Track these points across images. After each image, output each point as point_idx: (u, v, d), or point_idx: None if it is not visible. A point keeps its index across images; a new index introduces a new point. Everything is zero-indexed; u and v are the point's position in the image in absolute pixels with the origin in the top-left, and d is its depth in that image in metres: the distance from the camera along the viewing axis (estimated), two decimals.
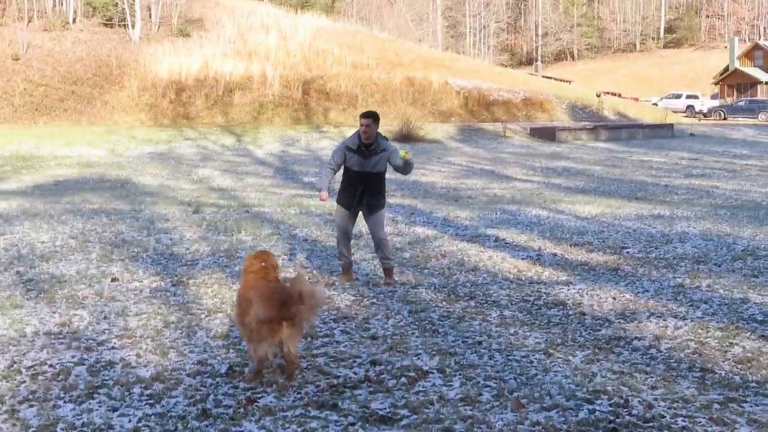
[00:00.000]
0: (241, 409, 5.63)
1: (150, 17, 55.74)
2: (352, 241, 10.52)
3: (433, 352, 6.91)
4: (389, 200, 18.01)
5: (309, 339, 7.31)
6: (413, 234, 13.67)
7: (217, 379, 6.26)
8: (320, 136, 39.54)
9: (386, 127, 37.41)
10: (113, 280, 9.94)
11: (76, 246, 12.27)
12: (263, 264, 6.61)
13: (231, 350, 6.98)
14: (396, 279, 10.03)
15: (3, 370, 6.46)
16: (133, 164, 28.53)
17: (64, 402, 5.80)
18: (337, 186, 10.23)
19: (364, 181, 9.68)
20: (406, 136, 38.05)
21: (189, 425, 5.38)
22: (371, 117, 9.51)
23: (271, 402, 5.76)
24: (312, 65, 50.66)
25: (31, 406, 5.73)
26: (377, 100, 43.88)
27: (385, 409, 5.63)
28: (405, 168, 9.67)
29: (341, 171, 9.92)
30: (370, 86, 48.36)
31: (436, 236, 13.42)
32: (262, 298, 6.19)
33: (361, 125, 9.50)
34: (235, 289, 9.35)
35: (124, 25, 53.97)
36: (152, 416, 5.54)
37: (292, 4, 76.34)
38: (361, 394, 5.93)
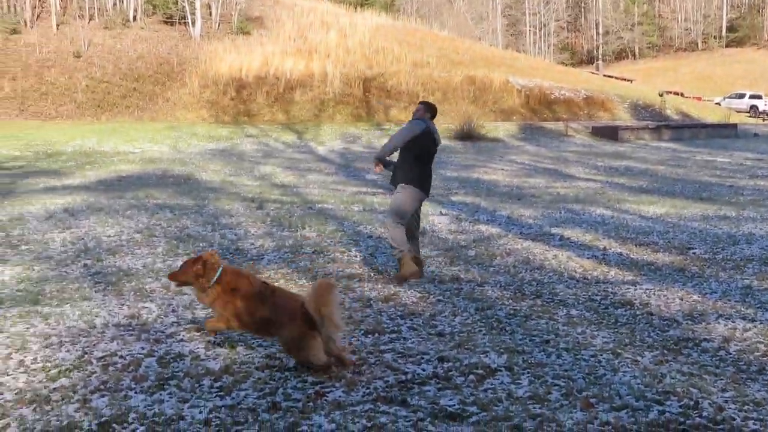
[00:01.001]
0: (311, 403, 5.67)
1: (210, 15, 56.17)
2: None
3: (501, 350, 6.89)
4: (452, 198, 18.05)
5: (377, 334, 7.34)
6: (477, 232, 13.63)
7: (286, 373, 6.31)
8: (381, 133, 39.51)
9: (447, 125, 37.38)
10: None
11: (141, 240, 12.41)
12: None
13: None
14: (462, 276, 10.02)
15: (74, 360, 6.56)
16: (195, 160, 28.73)
17: (135, 392, 5.88)
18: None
19: None
20: (468, 134, 37.87)
21: (259, 417, 5.43)
22: (423, 103, 10.12)
23: (340, 396, 5.80)
24: (372, 63, 50.71)
25: (103, 396, 5.82)
26: (438, 99, 43.70)
27: (453, 405, 5.64)
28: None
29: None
30: (430, 84, 48.32)
31: (500, 234, 13.37)
32: (290, 317, 6.27)
33: None
34: (301, 284, 9.43)
35: (185, 22, 54.45)
36: (222, 408, 5.60)
37: (351, 2, 76.43)
38: (429, 391, 5.93)
